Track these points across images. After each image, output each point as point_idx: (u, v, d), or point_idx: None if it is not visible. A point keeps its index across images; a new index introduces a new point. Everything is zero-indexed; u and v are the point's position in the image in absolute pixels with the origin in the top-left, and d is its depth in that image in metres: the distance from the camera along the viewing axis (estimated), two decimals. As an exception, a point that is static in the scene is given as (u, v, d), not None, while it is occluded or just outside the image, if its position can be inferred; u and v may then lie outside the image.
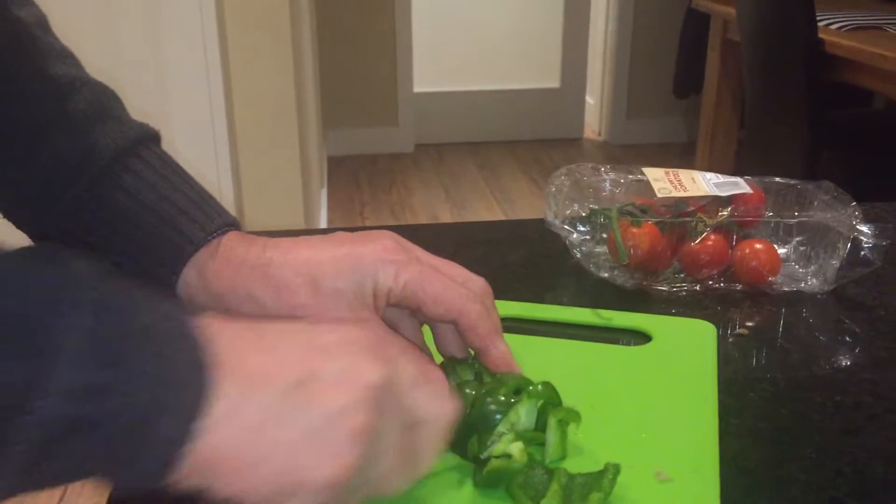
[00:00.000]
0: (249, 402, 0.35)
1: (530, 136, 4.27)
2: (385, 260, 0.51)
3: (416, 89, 4.05)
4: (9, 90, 0.55)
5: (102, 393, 0.31)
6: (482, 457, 0.48)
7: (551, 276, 0.78)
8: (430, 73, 4.12)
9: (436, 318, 0.52)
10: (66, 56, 0.58)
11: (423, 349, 0.53)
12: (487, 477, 0.47)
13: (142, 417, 0.32)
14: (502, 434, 0.48)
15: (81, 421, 0.31)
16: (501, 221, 1.07)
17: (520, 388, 0.51)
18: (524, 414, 0.50)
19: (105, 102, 0.57)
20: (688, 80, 3.66)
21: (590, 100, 4.38)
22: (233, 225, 0.55)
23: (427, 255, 0.54)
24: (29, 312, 0.31)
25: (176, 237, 0.53)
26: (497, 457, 0.47)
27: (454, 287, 0.52)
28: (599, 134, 4.35)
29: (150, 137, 0.57)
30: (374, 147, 4.06)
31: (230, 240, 0.54)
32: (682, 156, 3.96)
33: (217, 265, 0.53)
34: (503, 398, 0.49)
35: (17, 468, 0.31)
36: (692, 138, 3.53)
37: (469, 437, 0.49)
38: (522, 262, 0.81)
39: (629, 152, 4.13)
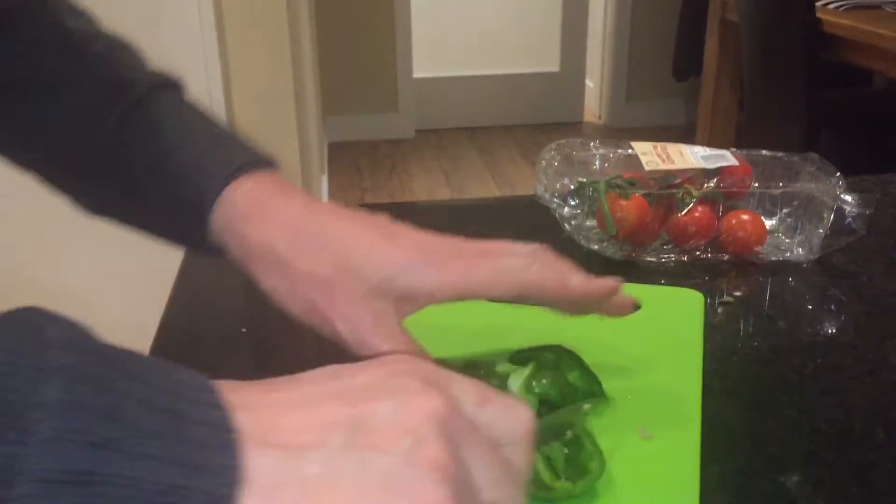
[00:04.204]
0: (296, 469, 0.30)
1: (530, 120, 4.27)
2: (420, 263, 0.49)
3: (416, 75, 4.05)
4: (25, 44, 0.55)
5: (86, 480, 0.26)
6: None
7: (543, 249, 0.79)
8: (429, 58, 4.12)
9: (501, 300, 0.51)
10: (79, 13, 0.59)
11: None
12: None
13: None
14: None
15: None
16: (494, 198, 1.08)
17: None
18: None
19: (124, 53, 0.58)
20: (687, 63, 3.66)
21: (589, 83, 4.38)
22: (270, 163, 0.53)
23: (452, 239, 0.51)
24: None
25: (212, 166, 0.51)
26: None
27: (498, 262, 0.51)
28: (599, 117, 4.36)
29: (175, 82, 0.57)
30: (375, 133, 4.07)
31: (268, 186, 0.51)
32: (682, 138, 3.92)
33: (249, 207, 0.50)
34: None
35: None
36: (692, 120, 3.53)
37: None
38: (514, 237, 0.82)
39: (629, 135, 4.12)
